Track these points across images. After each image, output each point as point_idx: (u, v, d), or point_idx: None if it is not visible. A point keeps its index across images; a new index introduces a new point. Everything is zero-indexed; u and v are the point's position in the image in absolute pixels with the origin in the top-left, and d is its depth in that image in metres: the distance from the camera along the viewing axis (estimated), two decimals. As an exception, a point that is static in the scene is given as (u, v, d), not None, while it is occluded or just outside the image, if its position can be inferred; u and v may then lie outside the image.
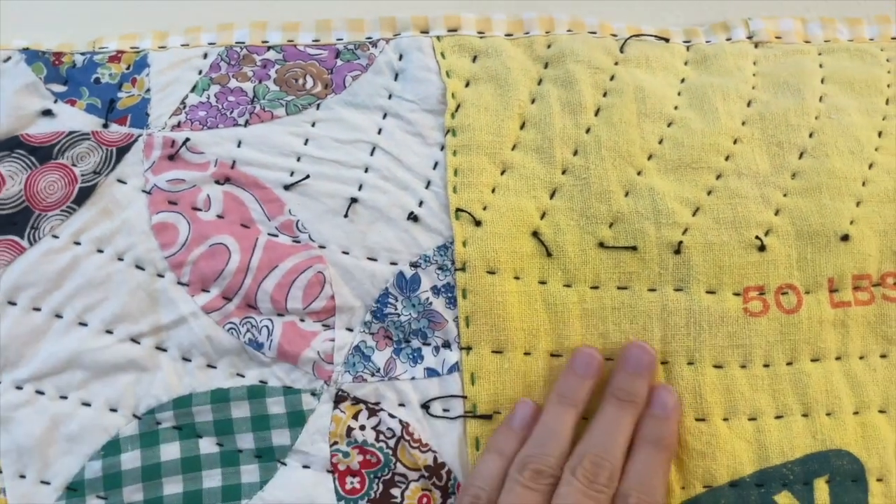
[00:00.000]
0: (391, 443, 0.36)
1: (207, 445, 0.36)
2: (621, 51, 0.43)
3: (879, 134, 0.42)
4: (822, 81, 0.43)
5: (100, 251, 0.37)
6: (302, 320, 0.37)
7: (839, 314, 0.39)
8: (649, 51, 0.43)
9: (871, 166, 0.41)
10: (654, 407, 0.36)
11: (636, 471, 0.34)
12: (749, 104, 0.42)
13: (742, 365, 0.38)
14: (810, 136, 0.41)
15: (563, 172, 0.40)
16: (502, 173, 0.40)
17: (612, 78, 0.42)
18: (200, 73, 0.41)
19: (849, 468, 0.37)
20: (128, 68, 0.41)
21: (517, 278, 0.38)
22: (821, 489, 0.37)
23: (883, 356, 0.39)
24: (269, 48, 0.42)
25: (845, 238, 0.39)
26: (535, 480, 0.33)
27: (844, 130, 0.41)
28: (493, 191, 0.39)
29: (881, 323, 0.39)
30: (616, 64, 0.42)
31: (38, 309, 0.37)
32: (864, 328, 0.39)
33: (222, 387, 0.37)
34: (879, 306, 0.39)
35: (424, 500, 0.36)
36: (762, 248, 0.39)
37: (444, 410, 0.37)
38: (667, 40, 0.43)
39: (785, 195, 0.40)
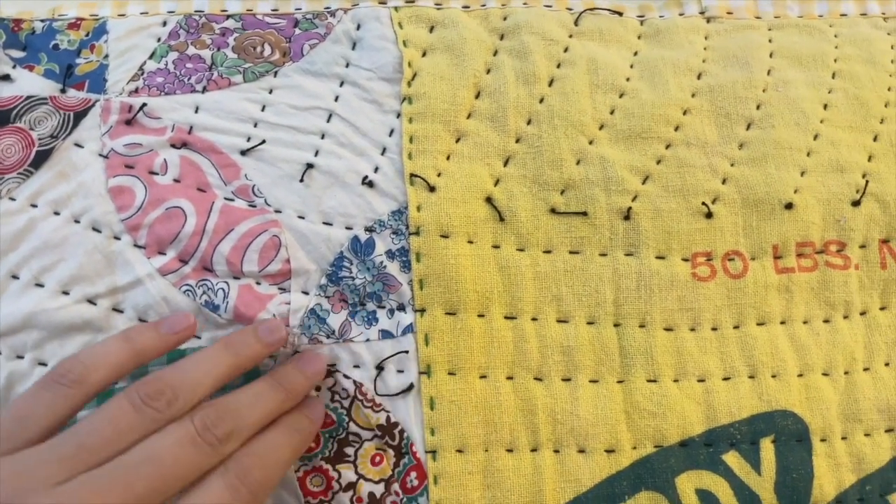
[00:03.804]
0: (345, 403, 0.37)
1: (163, 405, 0.36)
2: (576, 24, 0.44)
3: (825, 106, 0.43)
4: (771, 55, 0.44)
5: (56, 213, 0.37)
6: (258, 283, 0.38)
7: (783, 280, 0.40)
8: (603, 24, 0.44)
9: (815, 137, 0.42)
10: (304, 408, 0.35)
11: (265, 441, 0.33)
12: (699, 77, 0.43)
13: (691, 328, 0.39)
14: (757, 107, 0.42)
15: (517, 141, 0.41)
16: (457, 141, 0.40)
17: (565, 50, 0.43)
18: (159, 40, 0.41)
19: (793, 428, 0.38)
20: (87, 35, 0.41)
21: (471, 242, 0.39)
22: (767, 448, 0.37)
23: (826, 321, 0.40)
24: (228, 17, 0.42)
25: (789, 206, 0.40)
26: (152, 399, 0.31)
27: (791, 103, 0.42)
28: (448, 158, 0.40)
29: (824, 289, 0.40)
30: (570, 36, 0.43)
31: (-6, 270, 0.37)
32: (807, 294, 0.40)
33: (179, 348, 0.37)
34: (822, 273, 0.40)
35: (378, 458, 0.37)
36: (709, 215, 0.40)
37: (399, 371, 0.37)
38: (620, 14, 0.44)
39: (732, 164, 0.41)
